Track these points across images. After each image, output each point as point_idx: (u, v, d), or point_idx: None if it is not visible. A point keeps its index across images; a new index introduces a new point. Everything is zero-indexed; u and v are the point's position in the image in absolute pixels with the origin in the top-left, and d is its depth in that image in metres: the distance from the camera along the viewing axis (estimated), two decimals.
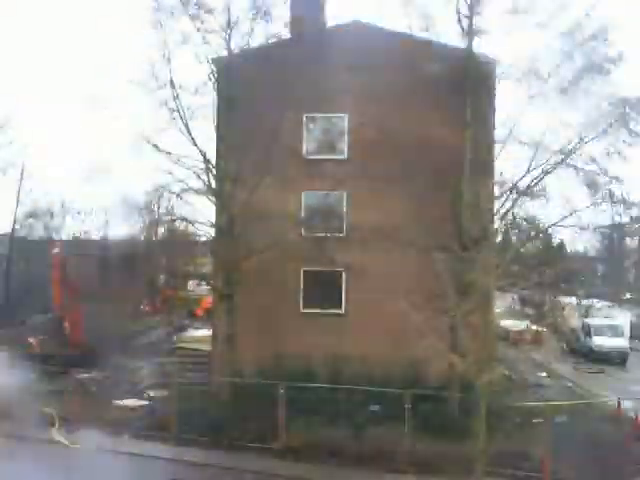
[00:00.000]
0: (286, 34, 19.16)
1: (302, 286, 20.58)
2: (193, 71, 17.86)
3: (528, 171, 16.90)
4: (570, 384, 24.44)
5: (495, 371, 13.35)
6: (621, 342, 31.34)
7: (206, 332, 22.89)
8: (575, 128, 16.65)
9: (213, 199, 18.22)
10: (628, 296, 51.30)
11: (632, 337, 34.31)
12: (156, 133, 17.43)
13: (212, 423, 16.45)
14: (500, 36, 17.20)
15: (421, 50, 17.97)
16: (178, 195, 18.22)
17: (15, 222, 38.35)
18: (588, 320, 33.28)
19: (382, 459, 14.89)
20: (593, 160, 16.64)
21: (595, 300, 36.28)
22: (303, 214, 19.90)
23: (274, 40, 18.54)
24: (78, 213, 44.12)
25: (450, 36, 17.72)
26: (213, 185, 18.07)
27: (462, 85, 17.43)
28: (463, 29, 17.35)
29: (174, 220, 18.70)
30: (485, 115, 18.01)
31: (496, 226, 16.99)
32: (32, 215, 41.16)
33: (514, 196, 16.89)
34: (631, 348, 31.80)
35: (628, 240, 56.42)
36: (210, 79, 18.00)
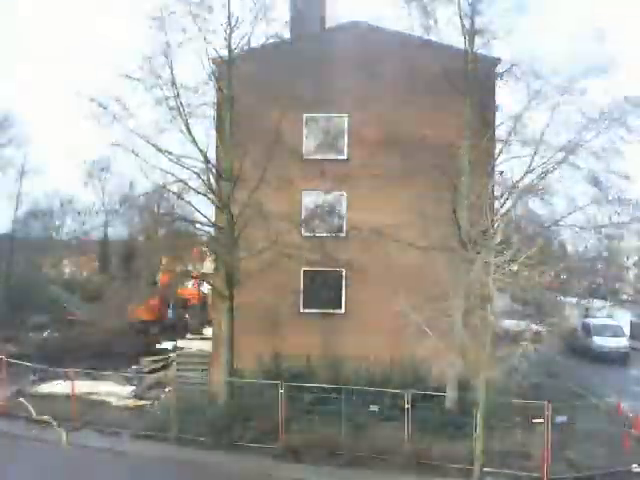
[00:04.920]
0: (286, 34, 19.14)
1: (302, 286, 20.58)
2: (194, 70, 17.83)
3: (528, 170, 16.92)
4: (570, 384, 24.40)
5: (495, 371, 13.33)
6: (621, 342, 31.32)
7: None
8: (575, 126, 16.69)
9: (213, 199, 18.21)
10: (628, 296, 51.33)
11: (632, 337, 34.30)
12: (156, 132, 17.42)
13: (212, 423, 16.46)
14: (501, 36, 17.23)
15: (421, 50, 17.97)
16: (178, 195, 18.18)
17: (15, 222, 38.33)
18: (588, 320, 33.26)
19: (382, 459, 14.89)
20: (594, 158, 16.66)
21: (595, 300, 36.24)
22: (303, 214, 19.88)
23: (274, 40, 18.51)
24: (78, 213, 44.20)
25: (451, 36, 17.74)
26: (213, 185, 18.05)
27: (462, 85, 17.42)
28: (464, 29, 17.33)
29: (174, 220, 18.64)
30: (485, 115, 18.01)
31: (496, 226, 16.98)
32: (32, 215, 41.17)
33: (514, 195, 16.89)
34: (631, 348, 31.79)
35: (628, 239, 56.42)
36: (210, 78, 17.98)
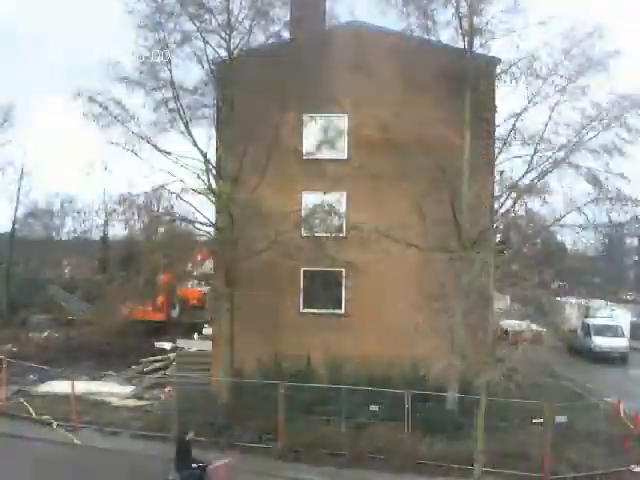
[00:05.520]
0: (286, 34, 19.13)
1: (302, 286, 20.57)
2: (193, 71, 17.87)
3: (528, 170, 16.91)
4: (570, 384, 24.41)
5: (494, 371, 13.35)
6: (621, 342, 31.32)
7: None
8: (575, 126, 16.68)
9: (213, 199, 18.20)
10: (629, 296, 51.32)
11: (632, 337, 34.30)
12: (156, 133, 17.43)
13: (212, 423, 16.46)
14: (500, 35, 17.22)
15: (421, 50, 17.96)
16: (178, 195, 18.17)
17: (15, 222, 38.36)
18: (588, 320, 33.25)
19: (382, 459, 14.89)
20: (594, 157, 16.65)
21: (595, 300, 36.22)
22: (303, 214, 19.88)
23: (274, 40, 18.50)
24: (78, 213, 44.24)
25: (450, 35, 17.72)
26: (213, 185, 18.05)
27: (462, 85, 17.41)
28: (463, 28, 17.33)
29: (174, 220, 18.64)
30: (485, 114, 17.99)
31: (496, 225, 16.98)
32: (32, 215, 41.21)
33: (514, 195, 16.89)
34: (631, 348, 31.78)
35: (628, 239, 56.46)
36: (210, 79, 17.97)
